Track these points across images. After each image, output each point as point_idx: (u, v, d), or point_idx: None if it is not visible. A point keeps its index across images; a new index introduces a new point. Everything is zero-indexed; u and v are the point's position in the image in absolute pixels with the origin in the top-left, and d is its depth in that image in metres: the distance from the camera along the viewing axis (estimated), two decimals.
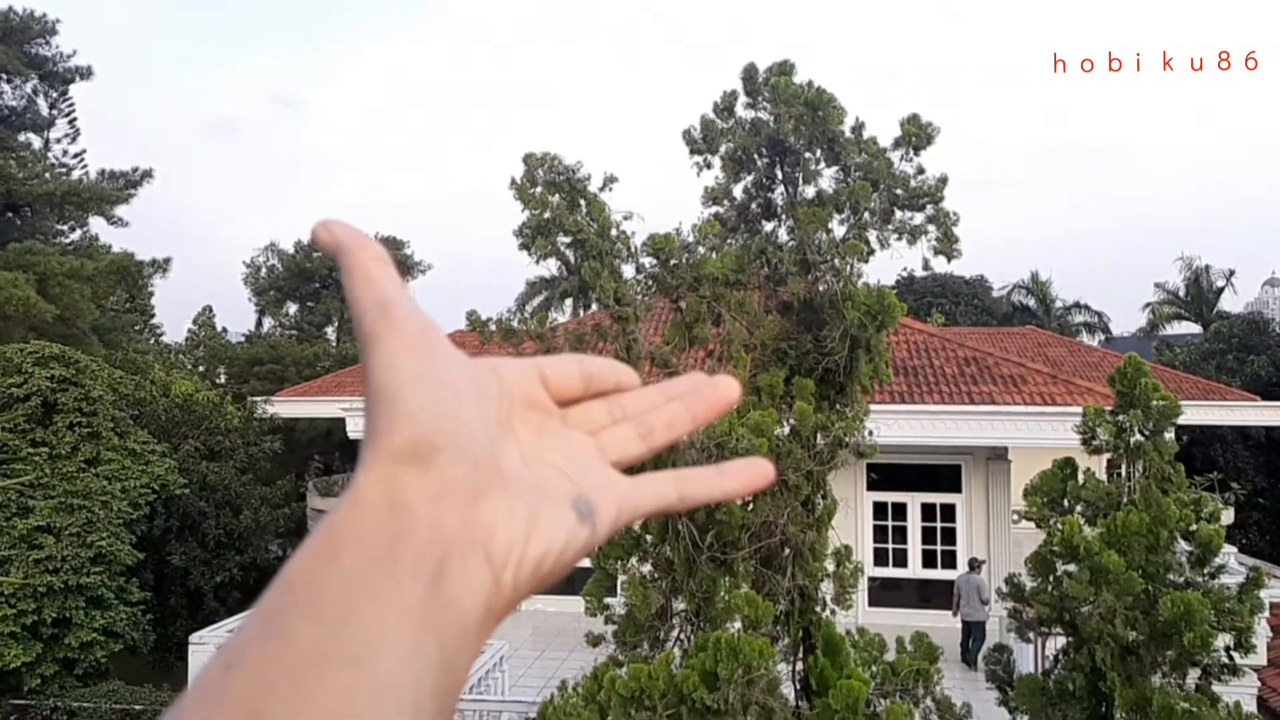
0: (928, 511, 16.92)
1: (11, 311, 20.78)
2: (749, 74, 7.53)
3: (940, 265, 8.28)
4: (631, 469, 0.47)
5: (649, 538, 6.84)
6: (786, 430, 6.99)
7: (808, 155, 7.50)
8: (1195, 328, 37.80)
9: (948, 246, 7.44)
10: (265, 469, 20.96)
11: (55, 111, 28.04)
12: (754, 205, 7.77)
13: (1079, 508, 7.13)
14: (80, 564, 14.54)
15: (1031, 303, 40.53)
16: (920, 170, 7.42)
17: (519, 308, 32.51)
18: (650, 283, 7.38)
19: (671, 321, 7.64)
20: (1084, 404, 8.45)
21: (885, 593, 16.19)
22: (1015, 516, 15.39)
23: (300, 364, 30.87)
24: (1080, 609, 6.58)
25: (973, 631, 14.27)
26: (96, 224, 27.35)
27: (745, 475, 0.48)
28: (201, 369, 33.76)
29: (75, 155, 28.34)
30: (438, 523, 0.38)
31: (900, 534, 16.95)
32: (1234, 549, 15.31)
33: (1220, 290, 37.98)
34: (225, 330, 39.17)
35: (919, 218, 7.45)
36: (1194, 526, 6.79)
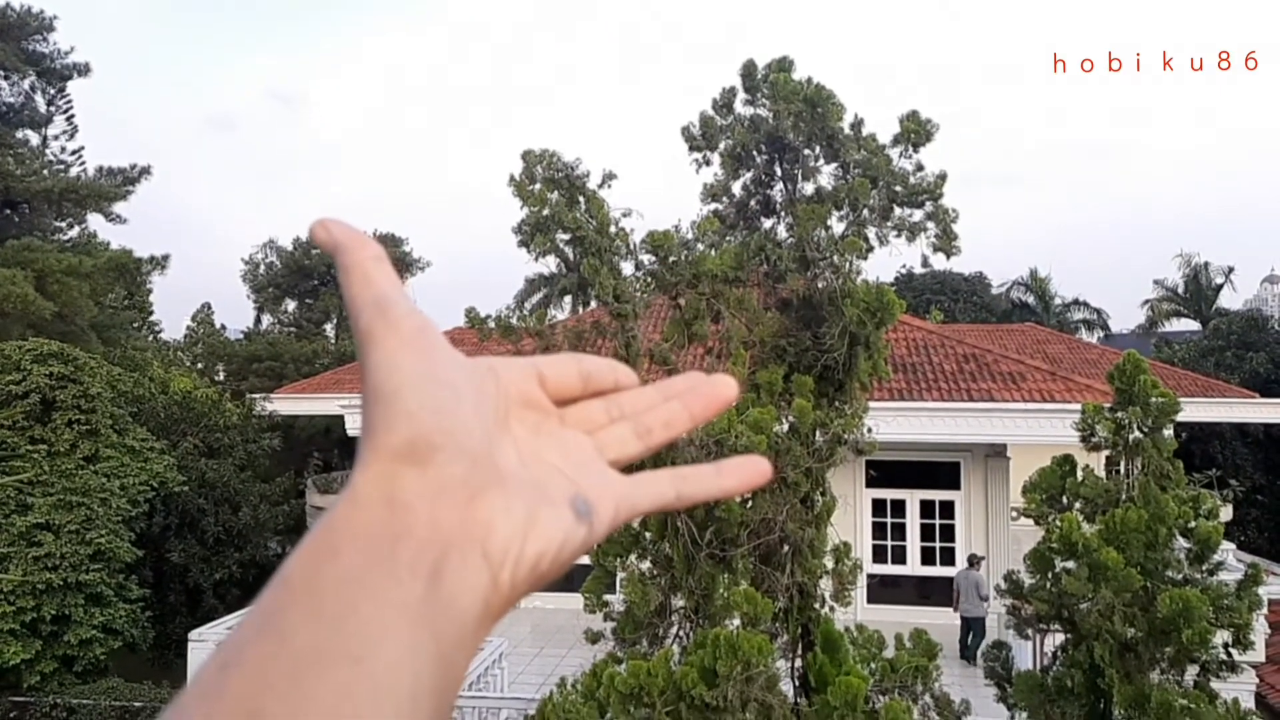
0: (927, 508, 16.94)
1: (10, 309, 20.76)
2: (748, 70, 7.52)
3: (939, 262, 8.29)
4: (630, 467, 0.47)
5: (648, 535, 6.85)
6: (785, 427, 6.99)
7: (807, 152, 7.49)
8: (1194, 325, 37.83)
9: (947, 243, 7.43)
10: (264, 466, 20.96)
11: (53, 108, 28.02)
12: (753, 202, 7.76)
13: (1078, 505, 7.14)
14: (79, 561, 14.54)
15: (1031, 300, 40.55)
16: (919, 167, 7.42)
17: (518, 305, 32.50)
18: (649, 280, 7.38)
19: (670, 319, 7.64)
20: (1083, 401, 8.46)
21: (884, 590, 16.21)
22: (1014, 513, 15.40)
23: (299, 361, 30.86)
24: (1079, 606, 6.59)
25: (972, 627, 14.30)
26: (95, 221, 27.36)
27: (743, 473, 0.48)
28: (200, 366, 33.76)
29: (73, 152, 28.34)
30: (436, 522, 0.38)
31: (899, 531, 16.97)
32: (1232, 546, 15.35)
33: (1219, 287, 38.01)
34: (224, 327, 39.15)
35: (918, 214, 7.45)
36: (1193, 523, 6.80)
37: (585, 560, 6.67)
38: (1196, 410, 19.27)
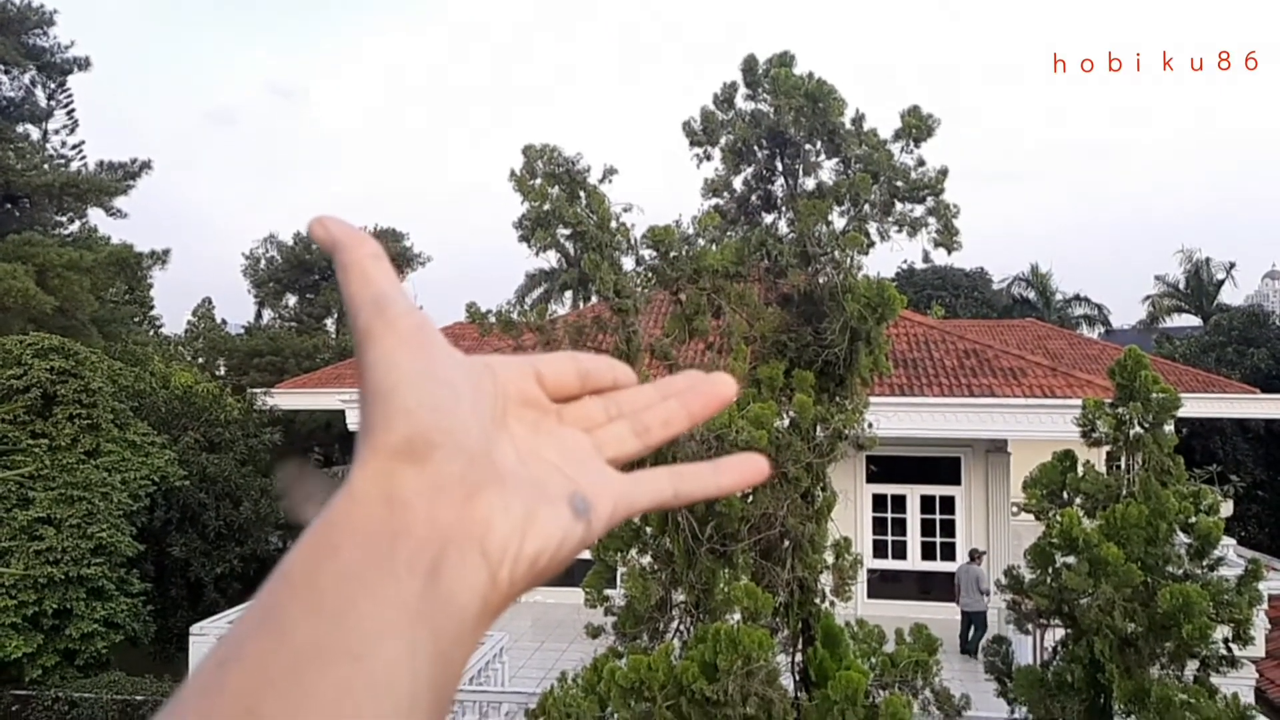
0: (927, 504, 16.95)
1: (11, 303, 20.77)
2: (749, 65, 7.50)
3: (940, 258, 8.28)
4: (631, 465, 0.47)
5: (649, 530, 6.85)
6: (786, 422, 6.99)
7: (808, 147, 7.48)
8: (1195, 320, 37.79)
9: (948, 239, 7.43)
10: (265, 461, 20.98)
11: (53, 102, 28.00)
12: (754, 197, 7.76)
13: (1078, 500, 7.14)
14: (81, 555, 14.56)
15: (1031, 295, 40.52)
16: (921, 162, 7.41)
17: (518, 300, 32.47)
18: (650, 275, 7.38)
19: (671, 314, 7.64)
20: (1084, 396, 8.46)
21: (884, 584, 16.24)
22: (1014, 509, 15.42)
23: (300, 356, 30.87)
24: (1079, 601, 6.59)
25: (973, 621, 14.33)
26: (95, 215, 27.36)
27: (740, 471, 0.48)
28: (201, 361, 33.76)
29: (74, 146, 28.33)
30: (434, 519, 0.38)
31: (899, 526, 16.98)
32: (1233, 541, 15.35)
33: (1220, 283, 37.97)
34: (225, 322, 39.17)
35: (919, 210, 7.44)
36: (1193, 519, 6.80)
37: (586, 555, 6.68)
38: (1197, 405, 19.27)
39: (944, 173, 7.39)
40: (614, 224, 7.20)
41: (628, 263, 7.34)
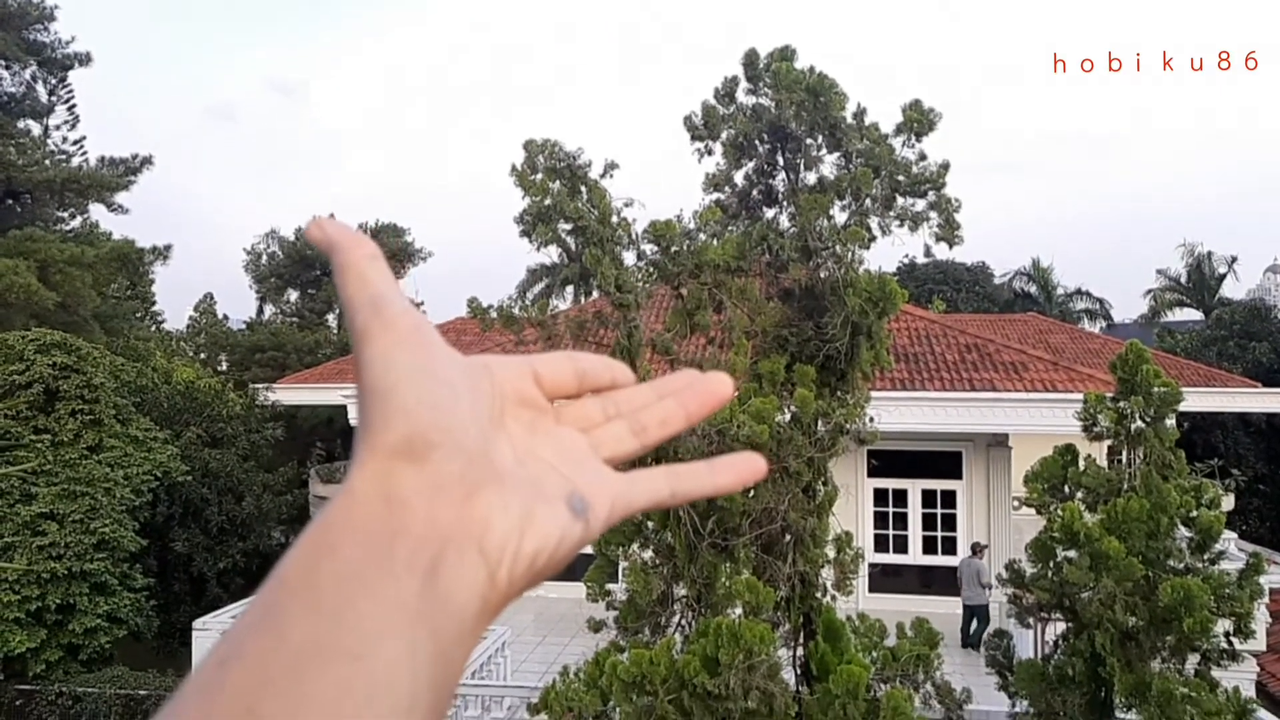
0: (928, 498, 16.96)
1: (13, 299, 20.79)
2: (750, 60, 7.49)
3: (941, 252, 8.27)
4: (632, 463, 0.47)
5: (650, 524, 6.86)
6: (788, 417, 6.99)
7: (809, 141, 7.47)
8: (1197, 314, 37.73)
9: (949, 233, 7.42)
10: (267, 456, 21.01)
11: (54, 98, 27.97)
12: (755, 192, 7.75)
13: (1079, 494, 7.14)
14: (83, 550, 14.59)
15: (1033, 289, 40.46)
16: (922, 156, 7.40)
17: (520, 295, 32.47)
18: (651, 270, 7.37)
19: (673, 309, 7.63)
20: (1085, 391, 8.46)
21: (886, 579, 16.25)
22: (1016, 503, 15.42)
23: (301, 351, 30.89)
24: (1080, 595, 6.60)
25: (975, 614, 14.35)
26: (97, 211, 27.34)
27: (737, 470, 0.48)
28: (203, 356, 33.81)
29: (75, 142, 28.31)
30: (433, 518, 0.38)
31: (901, 520, 16.99)
32: (1234, 535, 15.36)
33: (1222, 277, 37.91)
34: (226, 317, 39.19)
35: (921, 204, 7.43)
36: (1194, 513, 6.80)
37: (588, 550, 6.67)
38: (1199, 400, 19.25)
39: (945, 167, 7.38)
40: (615, 219, 7.19)
41: (629, 258, 7.34)
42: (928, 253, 8.00)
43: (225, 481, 18.47)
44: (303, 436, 25.77)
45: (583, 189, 7.18)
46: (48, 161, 26.02)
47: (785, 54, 7.38)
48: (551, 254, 7.40)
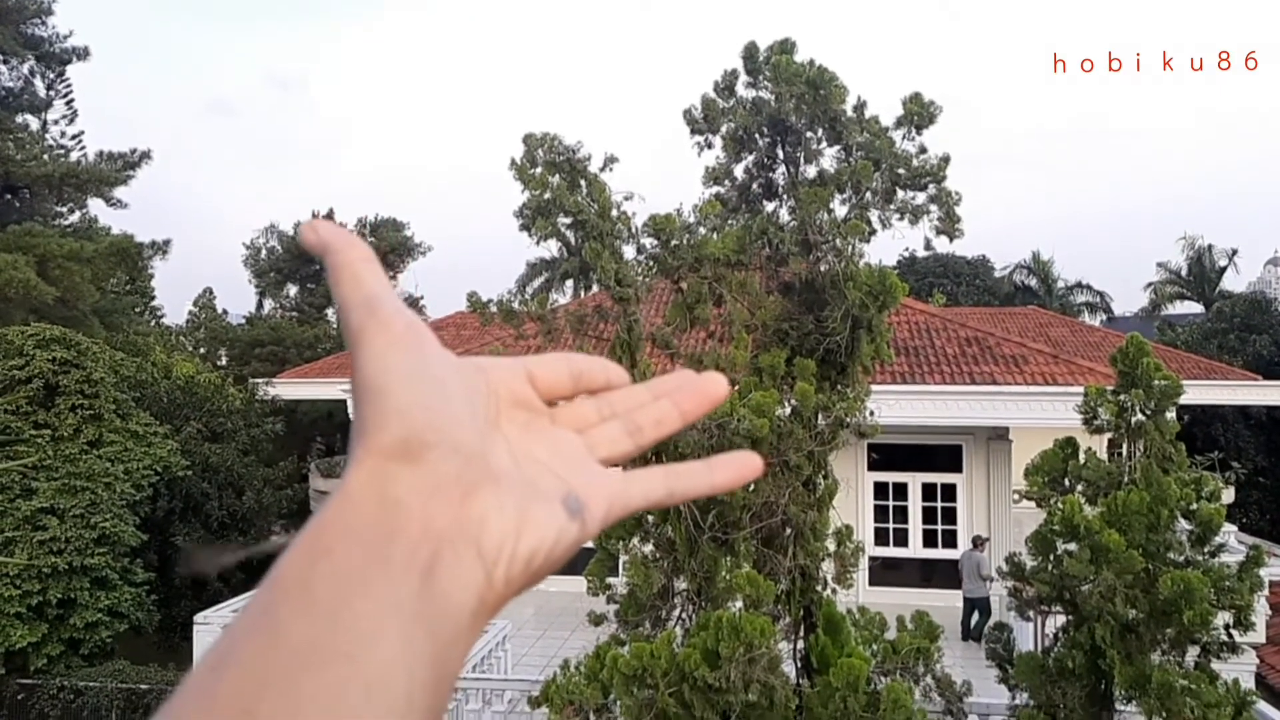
0: (928, 491, 16.97)
1: (12, 294, 20.78)
2: (750, 53, 7.47)
3: (942, 245, 8.27)
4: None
5: (650, 518, 6.87)
6: (788, 411, 6.99)
7: (809, 134, 7.45)
8: (1197, 307, 37.74)
9: (950, 226, 7.41)
10: (267, 450, 21.02)
11: (53, 92, 27.92)
12: (755, 185, 7.74)
13: (1080, 487, 7.15)
14: (84, 545, 14.61)
15: (1033, 283, 40.46)
16: (922, 149, 7.38)
17: (520, 289, 32.46)
18: (651, 263, 7.37)
19: (673, 302, 7.63)
20: (1085, 384, 8.46)
21: (886, 572, 16.26)
22: (1016, 496, 15.43)
23: (301, 346, 30.90)
24: (1080, 587, 6.61)
25: (976, 607, 14.39)
26: (95, 206, 27.33)
27: (734, 469, 0.48)
28: (202, 351, 33.80)
29: (73, 137, 28.26)
30: (429, 519, 0.38)
31: (901, 514, 17.01)
32: (1234, 528, 15.38)
33: (1223, 270, 37.90)
34: (226, 312, 39.18)
35: (921, 197, 7.42)
36: (1194, 505, 6.81)
37: (589, 543, 6.68)
38: (1199, 393, 19.25)
39: (946, 160, 7.36)
40: (615, 212, 7.18)
41: (629, 251, 7.33)
42: (928, 246, 7.99)
43: (225, 476, 18.49)
44: (303, 431, 25.78)
45: (582, 183, 7.17)
46: (46, 156, 25.98)
47: (785, 47, 7.36)
48: (551, 248, 7.39)
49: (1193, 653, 6.71)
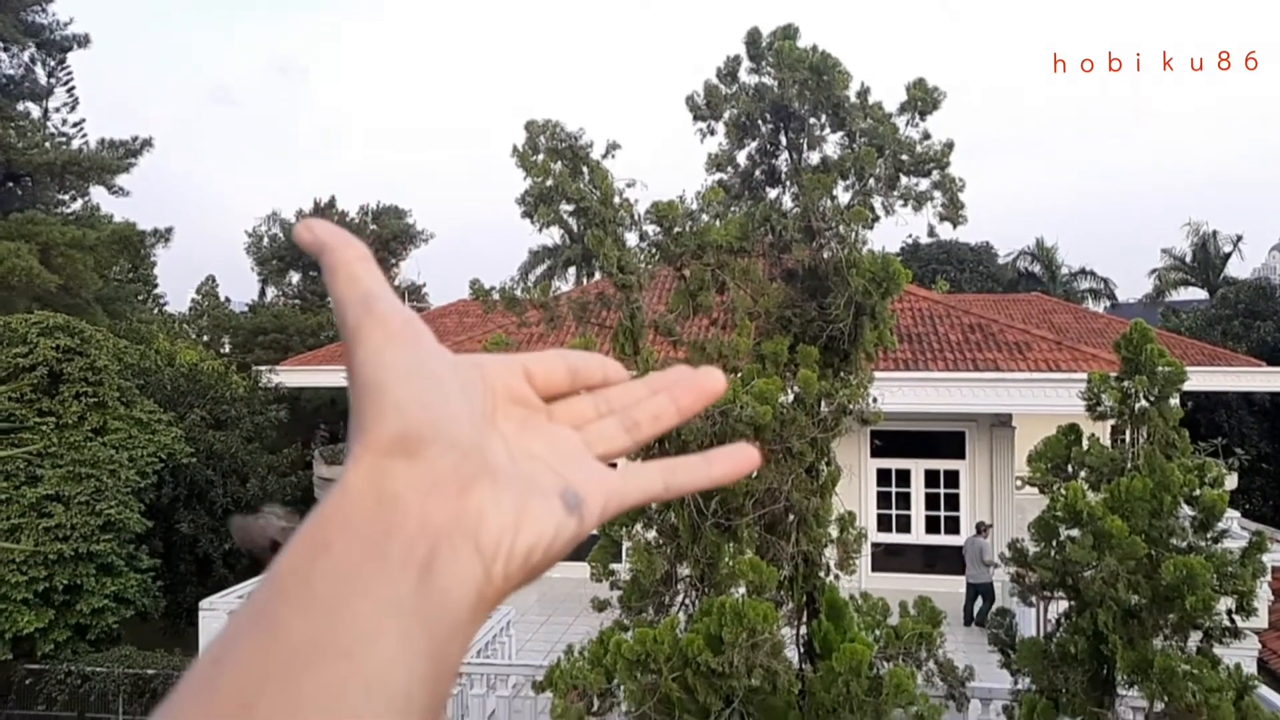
0: (931, 478, 16.99)
1: (15, 282, 20.80)
2: (752, 39, 7.44)
3: (945, 232, 8.24)
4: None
5: (654, 505, 6.88)
6: (791, 398, 6.99)
7: (812, 120, 7.42)
8: (1202, 294, 37.63)
9: (953, 213, 7.38)
10: (271, 438, 21.08)
11: (53, 80, 27.86)
12: (758, 172, 7.71)
13: (1083, 473, 7.15)
14: (90, 532, 14.68)
15: (1037, 269, 40.35)
16: (926, 135, 7.35)
17: (522, 276, 32.40)
18: (654, 251, 7.35)
19: (675, 289, 7.62)
20: (1089, 370, 8.45)
21: (889, 558, 16.31)
22: (1019, 482, 15.43)
23: (304, 333, 30.92)
24: (1083, 573, 6.62)
25: (980, 592, 14.43)
26: (98, 194, 27.31)
27: (731, 462, 0.49)
28: (206, 339, 33.86)
29: (75, 124, 28.22)
30: (427, 514, 0.38)
31: (904, 500, 17.04)
32: (1237, 514, 15.38)
33: (1227, 256, 37.76)
34: (229, 300, 39.22)
35: (924, 183, 7.39)
36: (1197, 491, 6.81)
37: (593, 530, 6.69)
38: (1203, 379, 19.24)
39: (950, 146, 7.33)
40: (617, 199, 7.17)
41: (631, 238, 7.32)
42: (931, 233, 7.96)
43: (230, 463, 18.55)
44: (306, 418, 25.83)
45: (584, 169, 7.15)
46: (48, 144, 25.95)
47: (788, 32, 7.32)
48: (554, 235, 7.38)
49: (1195, 638, 6.73)
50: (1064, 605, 7.21)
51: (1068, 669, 6.69)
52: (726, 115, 7.53)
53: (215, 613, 12.05)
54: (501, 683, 10.60)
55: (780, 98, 7.28)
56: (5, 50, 26.42)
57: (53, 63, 27.59)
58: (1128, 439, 7.32)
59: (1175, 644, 6.60)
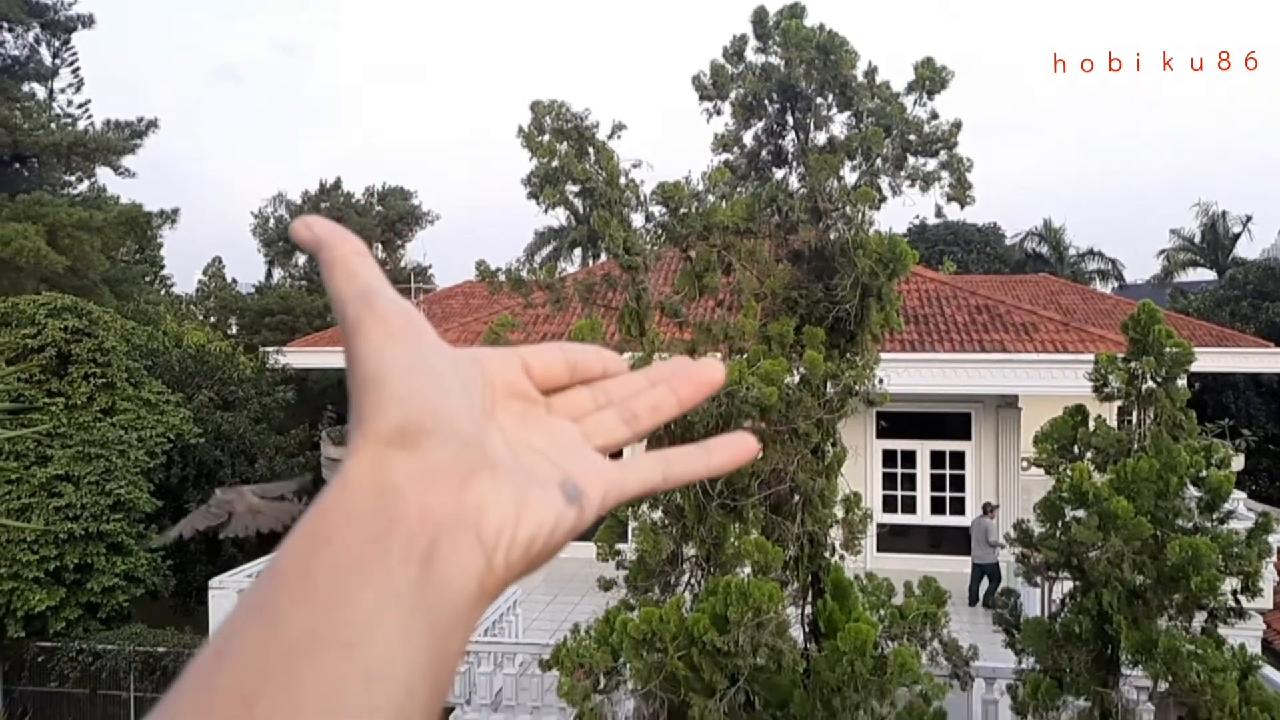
0: (937, 459, 16.99)
1: (23, 263, 20.84)
2: (759, 18, 7.38)
3: (953, 212, 8.20)
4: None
5: None
6: (797, 379, 6.99)
7: (819, 100, 7.37)
8: (1210, 274, 37.40)
9: (961, 193, 7.34)
10: (279, 419, 21.17)
11: (58, 61, 27.77)
12: (764, 152, 7.67)
13: (1089, 454, 7.14)
14: (100, 511, 14.79)
15: (1045, 250, 40.15)
16: (934, 115, 7.30)
17: (528, 258, 32.36)
18: (660, 232, 7.33)
19: (681, 271, 7.60)
20: (1096, 351, 8.42)
21: (894, 538, 16.35)
22: (1025, 463, 15.44)
23: (311, 315, 30.96)
24: (1088, 554, 6.63)
25: (986, 572, 14.47)
26: (104, 175, 27.32)
27: (730, 452, 0.49)
28: (213, 320, 33.94)
29: (80, 105, 28.15)
30: (427, 505, 0.38)
31: (909, 481, 17.05)
32: (1243, 495, 15.38)
33: (1236, 236, 37.50)
34: (235, 281, 39.27)
35: (932, 164, 7.35)
36: (1204, 472, 6.80)
37: None
38: (1210, 360, 19.16)
39: (957, 126, 7.28)
40: (623, 180, 7.14)
41: (637, 219, 7.30)
42: (939, 213, 7.92)
43: (238, 444, 18.65)
44: (313, 399, 25.91)
45: (590, 150, 7.12)
46: (54, 125, 25.92)
47: (795, 11, 7.26)
48: (559, 216, 7.36)
49: (1199, 618, 6.74)
50: (1069, 585, 7.23)
51: (1072, 649, 6.71)
52: (733, 95, 7.48)
53: (225, 591, 12.16)
54: (509, 661, 10.68)
55: (787, 77, 7.23)
56: (10, 31, 26.34)
57: (57, 43, 27.50)
58: (1134, 420, 7.31)
59: (1180, 624, 6.62)
